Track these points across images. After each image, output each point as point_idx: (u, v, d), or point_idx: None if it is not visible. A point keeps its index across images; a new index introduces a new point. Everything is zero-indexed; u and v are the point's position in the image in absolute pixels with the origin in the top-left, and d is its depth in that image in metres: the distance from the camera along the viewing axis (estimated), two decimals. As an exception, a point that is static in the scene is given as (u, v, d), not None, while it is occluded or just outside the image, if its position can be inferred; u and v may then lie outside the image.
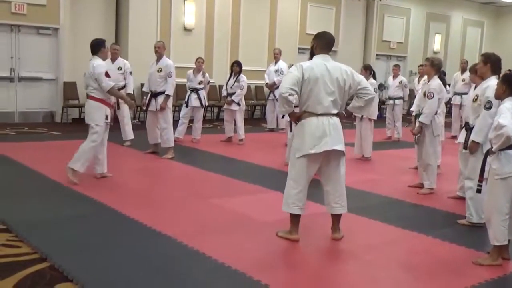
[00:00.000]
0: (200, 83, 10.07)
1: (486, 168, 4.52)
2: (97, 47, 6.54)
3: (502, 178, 4.22)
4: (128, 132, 9.41)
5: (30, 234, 4.49)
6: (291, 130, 7.30)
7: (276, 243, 4.62)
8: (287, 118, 7.32)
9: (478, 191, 4.71)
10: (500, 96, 4.46)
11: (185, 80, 10.42)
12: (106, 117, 6.44)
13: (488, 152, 4.46)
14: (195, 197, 6.08)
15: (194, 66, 10.14)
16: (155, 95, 8.34)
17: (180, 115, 10.27)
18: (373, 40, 18.09)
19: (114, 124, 9.57)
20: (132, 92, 9.82)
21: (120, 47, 9.98)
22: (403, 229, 5.19)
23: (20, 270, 3.80)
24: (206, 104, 10.65)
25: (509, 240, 4.37)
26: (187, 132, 10.19)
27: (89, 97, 6.50)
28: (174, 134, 8.72)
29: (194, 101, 10.02)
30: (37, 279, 3.68)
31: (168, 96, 8.25)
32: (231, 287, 3.72)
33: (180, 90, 12.13)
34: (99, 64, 6.40)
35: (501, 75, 4.88)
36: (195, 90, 10.05)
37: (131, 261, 4.06)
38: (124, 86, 9.37)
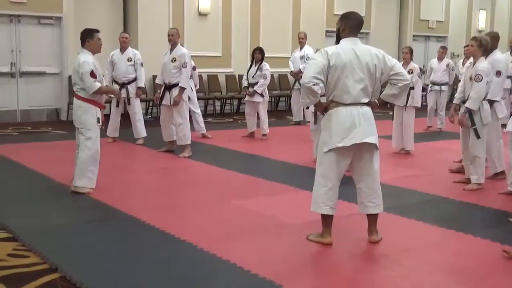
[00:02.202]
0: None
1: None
2: (83, 38, 6.29)
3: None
4: (140, 129, 9.50)
5: (39, 242, 4.58)
6: (315, 122, 7.30)
7: (306, 248, 4.63)
8: (311, 109, 7.29)
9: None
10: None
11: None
12: (98, 120, 6.17)
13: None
14: (216, 199, 6.12)
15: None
16: (169, 87, 8.39)
17: None
18: (409, 19, 17.93)
19: (125, 121, 9.73)
20: (144, 86, 9.86)
21: (129, 36, 10.04)
22: (448, 229, 5.16)
23: (29, 281, 3.88)
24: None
25: None
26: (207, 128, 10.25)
27: (76, 96, 6.20)
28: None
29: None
30: (48, 291, 3.76)
31: (182, 89, 8.28)
32: (258, 297, 3.76)
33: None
34: (85, 60, 6.10)
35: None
36: None
37: (148, 270, 4.11)
38: (134, 79, 9.47)
